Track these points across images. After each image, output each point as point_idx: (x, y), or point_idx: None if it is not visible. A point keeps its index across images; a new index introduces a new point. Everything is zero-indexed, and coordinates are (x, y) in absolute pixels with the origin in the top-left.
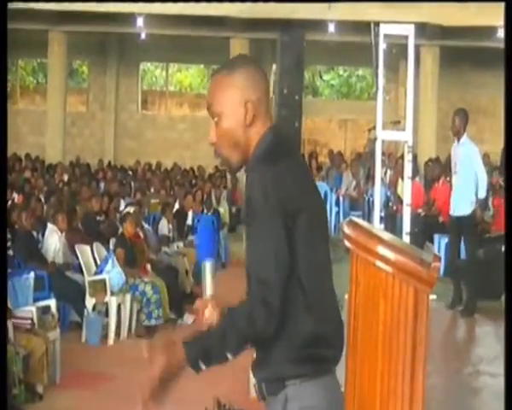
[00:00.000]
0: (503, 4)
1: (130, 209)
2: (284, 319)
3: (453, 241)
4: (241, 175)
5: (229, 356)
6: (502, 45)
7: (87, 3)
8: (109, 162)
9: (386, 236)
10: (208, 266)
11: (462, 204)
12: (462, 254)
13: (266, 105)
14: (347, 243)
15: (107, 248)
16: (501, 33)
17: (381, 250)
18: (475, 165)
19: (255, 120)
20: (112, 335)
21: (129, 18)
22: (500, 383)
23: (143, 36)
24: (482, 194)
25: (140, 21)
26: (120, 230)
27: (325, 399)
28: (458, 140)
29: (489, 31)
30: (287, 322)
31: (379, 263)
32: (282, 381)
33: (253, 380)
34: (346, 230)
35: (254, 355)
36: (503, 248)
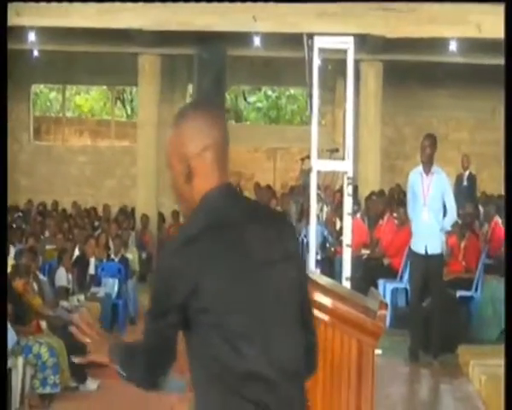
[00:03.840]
0: (455, 13)
1: (22, 258)
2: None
3: (420, 284)
4: (152, 215)
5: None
6: (455, 60)
7: None
8: None
9: (324, 281)
10: None
11: (434, 241)
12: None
13: (216, 157)
14: None
15: None
16: (453, 47)
17: (319, 297)
18: (446, 196)
19: (194, 177)
20: None
21: (18, 32)
22: None
23: (36, 53)
24: (447, 228)
25: (32, 36)
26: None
27: None
28: (428, 169)
29: (440, 43)
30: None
31: (316, 312)
32: None
33: None
34: None
35: None
36: (457, 294)
